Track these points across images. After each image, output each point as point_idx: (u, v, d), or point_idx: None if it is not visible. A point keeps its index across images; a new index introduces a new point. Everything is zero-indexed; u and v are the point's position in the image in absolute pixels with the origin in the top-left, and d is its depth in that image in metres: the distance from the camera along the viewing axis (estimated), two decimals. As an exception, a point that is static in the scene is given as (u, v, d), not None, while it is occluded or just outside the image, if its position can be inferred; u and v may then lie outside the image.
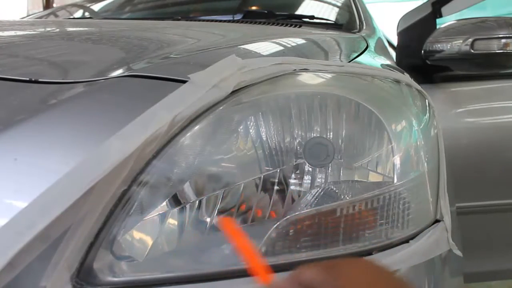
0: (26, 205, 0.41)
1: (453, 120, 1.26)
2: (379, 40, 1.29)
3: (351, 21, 1.40)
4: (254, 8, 1.63)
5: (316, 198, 0.52)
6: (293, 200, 0.52)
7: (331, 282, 0.37)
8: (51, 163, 0.47)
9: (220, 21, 1.33)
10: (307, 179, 0.52)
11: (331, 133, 0.54)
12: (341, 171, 0.53)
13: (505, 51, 1.17)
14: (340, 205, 0.52)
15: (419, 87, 0.74)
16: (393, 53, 1.49)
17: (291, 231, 0.51)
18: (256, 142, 0.52)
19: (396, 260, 0.52)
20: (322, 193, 0.52)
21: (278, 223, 0.50)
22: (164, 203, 0.48)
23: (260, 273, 0.42)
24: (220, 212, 0.50)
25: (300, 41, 0.92)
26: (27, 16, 2.30)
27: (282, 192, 0.51)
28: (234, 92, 0.53)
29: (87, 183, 0.42)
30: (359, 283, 0.37)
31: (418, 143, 0.61)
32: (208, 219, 0.49)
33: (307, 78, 0.61)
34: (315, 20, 1.38)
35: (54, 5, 5.18)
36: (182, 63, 0.68)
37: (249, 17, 1.34)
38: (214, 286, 0.48)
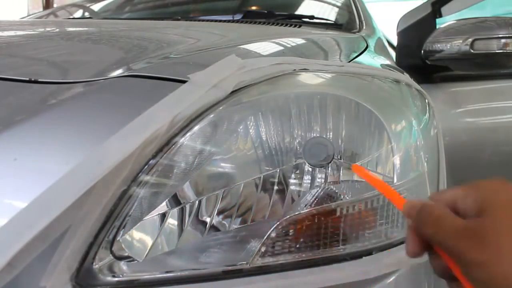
0: (26, 205, 0.41)
1: (452, 120, 1.26)
2: (379, 40, 1.29)
3: (350, 21, 1.40)
4: (254, 8, 1.63)
5: (316, 198, 0.52)
6: (293, 200, 0.52)
7: (473, 194, 0.35)
8: (51, 163, 0.47)
9: (220, 21, 1.33)
10: (307, 179, 0.52)
11: (331, 133, 0.54)
12: (341, 171, 0.53)
13: (505, 51, 1.17)
14: (340, 205, 0.52)
15: (419, 87, 0.74)
16: (393, 53, 1.49)
17: (291, 231, 0.51)
18: (256, 142, 0.52)
19: (396, 260, 0.52)
20: (322, 193, 0.52)
21: (278, 223, 0.50)
22: (164, 203, 0.48)
23: (396, 201, 0.41)
24: (220, 212, 0.50)
25: (300, 41, 0.92)
26: (27, 16, 2.30)
27: (282, 192, 0.51)
28: (233, 92, 0.53)
29: (87, 183, 0.42)
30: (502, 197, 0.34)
31: (418, 143, 0.61)
32: (208, 219, 0.49)
33: (306, 78, 0.61)
34: (314, 20, 1.38)
35: (55, 5, 5.17)
36: (182, 63, 0.68)
37: (249, 17, 1.34)
38: (214, 286, 0.48)
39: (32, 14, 2.26)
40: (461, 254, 0.32)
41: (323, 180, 0.53)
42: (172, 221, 0.49)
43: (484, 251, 0.31)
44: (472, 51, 1.18)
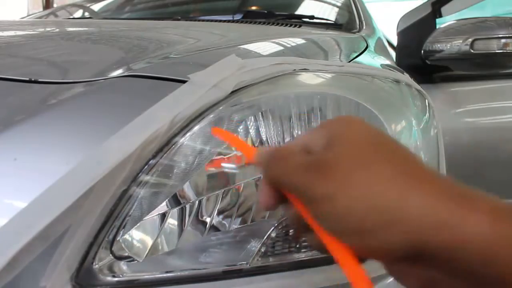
0: (26, 205, 0.41)
1: (452, 120, 1.26)
2: (379, 40, 1.29)
3: (350, 21, 1.40)
4: (254, 8, 1.63)
5: (316, 198, 0.52)
6: (293, 200, 0.52)
7: (322, 131, 0.33)
8: (51, 163, 0.47)
9: (220, 21, 1.33)
10: (307, 179, 0.52)
11: (331, 133, 0.53)
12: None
13: (505, 51, 1.17)
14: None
15: (418, 87, 0.74)
16: (393, 53, 1.49)
17: (291, 231, 0.51)
18: (256, 142, 0.52)
19: (396, 260, 0.52)
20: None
21: (278, 223, 0.50)
22: (164, 203, 0.48)
23: (248, 153, 0.39)
24: (220, 212, 0.50)
25: (300, 41, 0.92)
26: (27, 16, 2.30)
27: (282, 192, 0.51)
28: (233, 92, 0.53)
29: (87, 183, 0.42)
30: (353, 140, 0.31)
31: (418, 143, 0.61)
32: (208, 219, 0.49)
33: (306, 78, 0.61)
34: (314, 20, 1.38)
35: (55, 5, 5.18)
36: (182, 63, 0.68)
37: (249, 17, 1.34)
38: (214, 286, 0.48)
39: (32, 14, 2.26)
40: (306, 190, 0.30)
41: (323, 180, 0.52)
42: (172, 221, 0.49)
43: (328, 183, 0.29)
44: (472, 51, 1.18)
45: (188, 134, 0.49)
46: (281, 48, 0.82)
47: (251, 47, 0.80)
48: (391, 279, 0.52)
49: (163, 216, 0.48)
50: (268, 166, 0.34)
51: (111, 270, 0.47)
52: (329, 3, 1.69)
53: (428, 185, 0.28)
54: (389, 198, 0.28)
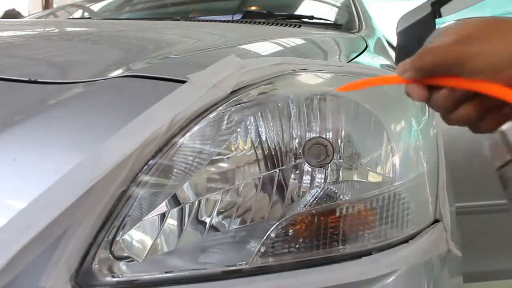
0: (26, 205, 0.41)
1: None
2: (379, 40, 1.29)
3: (350, 21, 1.40)
4: (253, 8, 1.63)
5: (315, 198, 0.52)
6: (292, 200, 0.52)
7: (453, 28, 0.42)
8: (50, 163, 0.47)
9: (220, 21, 1.33)
10: (306, 179, 0.52)
11: (330, 133, 0.53)
12: (341, 171, 0.53)
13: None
14: (339, 205, 0.52)
15: (418, 87, 0.74)
16: (392, 53, 1.49)
17: (290, 231, 0.51)
18: (255, 142, 0.52)
19: (395, 260, 0.52)
20: (321, 193, 0.52)
21: (277, 223, 0.50)
22: (164, 203, 0.48)
23: (392, 78, 0.45)
24: (220, 212, 0.50)
25: (299, 41, 0.92)
26: (27, 16, 2.30)
27: (282, 192, 0.51)
28: (233, 92, 0.53)
29: (86, 183, 0.42)
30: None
31: (418, 143, 0.61)
32: (208, 219, 0.49)
33: (306, 78, 0.61)
34: (314, 20, 1.38)
35: (54, 5, 5.17)
36: (182, 63, 0.68)
37: (249, 17, 1.34)
38: (214, 286, 0.48)
39: (32, 14, 2.26)
40: (457, 59, 0.38)
41: (322, 180, 0.53)
42: (171, 221, 0.49)
43: (474, 44, 0.38)
44: (471, 51, 1.18)
45: (188, 134, 0.49)
46: (281, 48, 0.82)
47: (251, 47, 0.80)
48: (391, 279, 0.52)
49: (163, 216, 0.48)
50: (421, 60, 0.41)
51: (110, 270, 0.47)
52: (329, 3, 1.69)
53: None
54: None
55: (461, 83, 0.39)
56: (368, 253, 0.52)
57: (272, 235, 0.50)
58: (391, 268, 0.52)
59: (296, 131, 0.53)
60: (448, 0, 1.32)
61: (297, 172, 0.52)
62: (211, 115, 0.51)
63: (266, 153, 0.52)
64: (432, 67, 0.41)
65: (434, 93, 0.42)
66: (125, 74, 0.58)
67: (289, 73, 0.59)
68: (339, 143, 0.53)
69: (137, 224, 0.47)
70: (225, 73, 0.52)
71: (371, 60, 0.88)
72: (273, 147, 0.52)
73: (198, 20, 1.43)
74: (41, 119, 0.50)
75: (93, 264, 0.46)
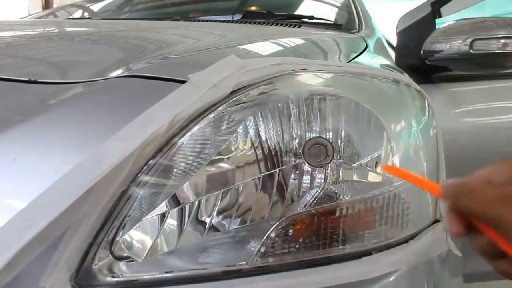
0: (26, 205, 0.41)
1: (452, 120, 1.26)
2: (378, 40, 1.29)
3: (350, 21, 1.40)
4: (253, 8, 1.63)
5: (315, 198, 0.52)
6: (292, 200, 0.52)
7: (505, 165, 0.37)
8: (50, 163, 0.47)
9: (220, 21, 1.33)
10: (306, 179, 0.52)
11: (330, 133, 0.54)
12: (341, 171, 0.53)
13: (504, 51, 1.17)
14: (339, 205, 0.52)
15: (418, 87, 0.74)
16: (392, 53, 1.49)
17: (290, 231, 0.51)
18: (255, 142, 0.52)
19: (395, 260, 0.53)
20: (321, 193, 0.52)
21: (277, 223, 0.50)
22: (164, 203, 0.48)
23: (430, 188, 0.44)
24: (220, 212, 0.50)
25: (299, 41, 0.92)
26: (27, 16, 2.30)
27: (282, 192, 0.51)
28: (233, 92, 0.53)
29: (86, 183, 0.42)
30: None
31: (418, 143, 0.61)
32: (208, 219, 0.49)
33: (306, 78, 0.61)
34: (314, 20, 1.38)
35: (54, 5, 5.17)
36: (182, 63, 0.68)
37: (249, 17, 1.34)
38: (214, 286, 0.48)
39: (32, 14, 2.26)
40: (502, 220, 0.33)
41: (322, 180, 0.53)
42: (171, 221, 0.49)
43: None
44: (471, 51, 1.18)
45: (188, 134, 0.49)
46: (281, 48, 0.82)
47: (251, 47, 0.80)
48: (391, 279, 0.52)
49: (163, 216, 0.48)
50: (457, 200, 0.37)
51: (110, 270, 0.47)
52: (329, 3, 1.69)
53: None
54: None
55: (501, 242, 0.34)
56: (368, 253, 0.53)
57: (272, 235, 0.50)
58: (391, 268, 0.52)
59: (296, 131, 0.53)
60: (448, 0, 1.32)
61: (297, 172, 0.52)
62: (211, 115, 0.51)
63: (266, 153, 0.52)
64: (468, 213, 0.37)
65: (472, 233, 0.38)
66: (125, 74, 0.58)
67: (289, 73, 0.59)
68: (339, 143, 0.54)
69: (137, 224, 0.47)
70: (225, 73, 0.52)
71: (371, 60, 0.88)
72: (273, 147, 0.52)
73: (198, 20, 1.43)
74: (41, 119, 0.50)
75: (93, 264, 0.46)
